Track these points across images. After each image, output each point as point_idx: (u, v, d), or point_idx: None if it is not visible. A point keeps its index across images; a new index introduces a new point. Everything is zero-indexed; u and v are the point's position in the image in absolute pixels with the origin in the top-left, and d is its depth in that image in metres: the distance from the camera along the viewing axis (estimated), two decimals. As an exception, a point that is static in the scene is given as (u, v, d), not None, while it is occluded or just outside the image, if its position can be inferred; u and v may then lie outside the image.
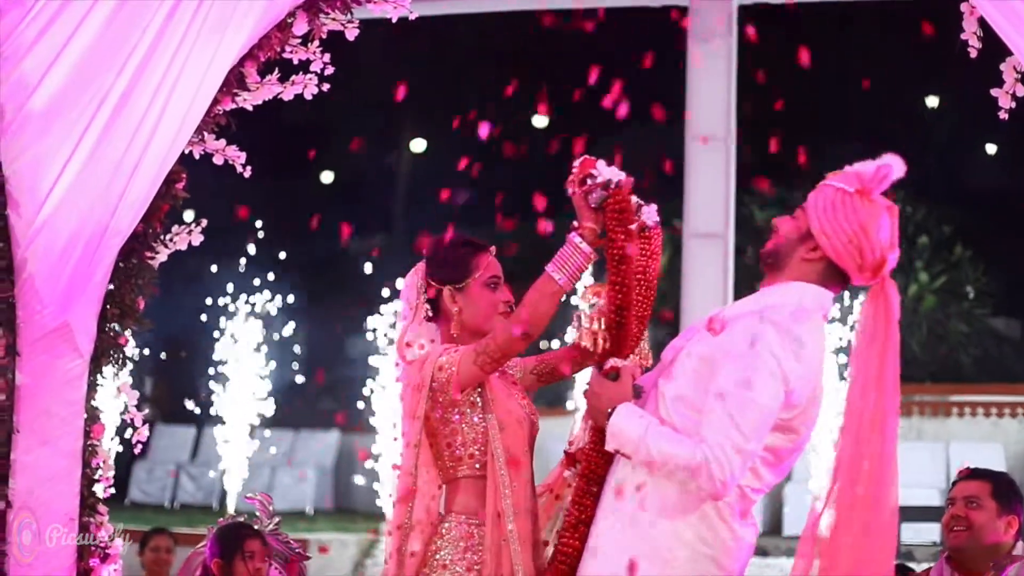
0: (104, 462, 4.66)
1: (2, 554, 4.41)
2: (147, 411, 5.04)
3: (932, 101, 18.46)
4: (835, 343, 12.56)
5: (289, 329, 16.35)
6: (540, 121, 18.35)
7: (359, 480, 14.79)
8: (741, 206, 15.63)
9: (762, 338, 3.31)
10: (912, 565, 5.18)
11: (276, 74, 4.77)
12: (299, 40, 4.74)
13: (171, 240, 4.80)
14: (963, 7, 4.39)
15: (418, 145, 20.33)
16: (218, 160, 4.83)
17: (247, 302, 14.76)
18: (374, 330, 13.89)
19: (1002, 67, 4.41)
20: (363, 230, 20.27)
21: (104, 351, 4.65)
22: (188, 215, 5.02)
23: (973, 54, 4.41)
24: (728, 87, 9.45)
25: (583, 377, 3.88)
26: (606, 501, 3.50)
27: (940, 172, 17.71)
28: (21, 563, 4.41)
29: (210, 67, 4.55)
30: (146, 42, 4.40)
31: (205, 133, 4.76)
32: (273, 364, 14.82)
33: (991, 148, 18.49)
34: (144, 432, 4.85)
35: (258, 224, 17.31)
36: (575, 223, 3.68)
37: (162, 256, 4.78)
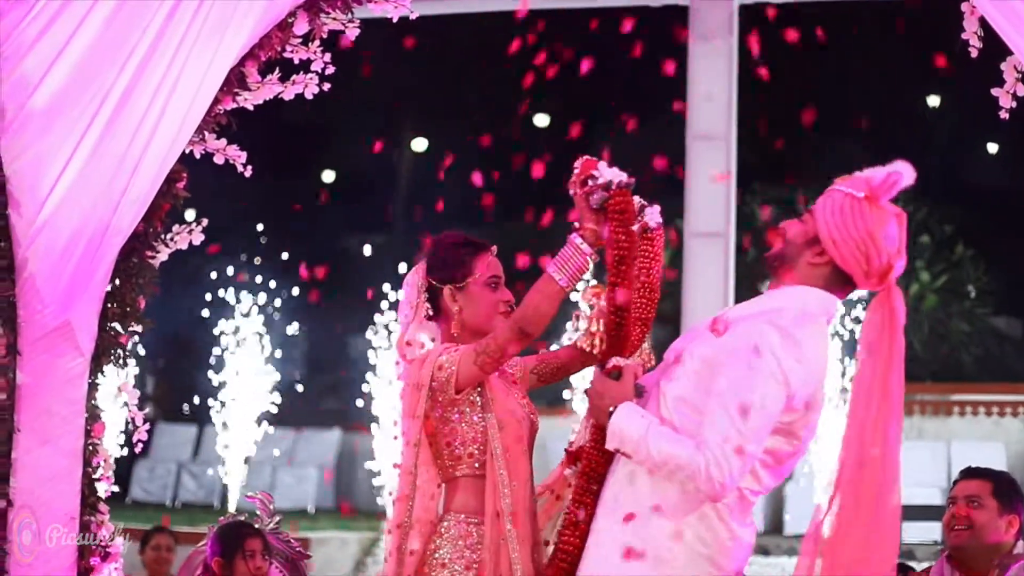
0: (105, 461, 4.67)
1: (3, 552, 4.41)
2: (148, 410, 5.05)
3: (933, 100, 18.46)
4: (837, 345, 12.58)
5: (291, 328, 16.37)
6: (542, 120, 18.36)
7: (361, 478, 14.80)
8: (742, 205, 15.64)
9: (765, 341, 3.31)
10: (913, 564, 5.18)
11: (277, 73, 4.77)
12: (300, 40, 4.74)
13: (172, 239, 4.81)
14: (963, 7, 4.39)
15: (419, 144, 20.34)
16: (219, 159, 4.84)
17: (249, 301, 14.77)
18: (375, 330, 13.90)
19: (1002, 67, 4.41)
20: (364, 229, 20.28)
21: (105, 350, 4.65)
22: (189, 214, 5.02)
23: (974, 54, 4.41)
24: (729, 86, 9.45)
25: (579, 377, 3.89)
26: (606, 500, 3.50)
27: (941, 171, 17.71)
28: (21, 563, 4.42)
29: (211, 66, 4.55)
30: (147, 41, 4.40)
31: (206, 132, 4.77)
32: (274, 363, 14.83)
33: (992, 147, 18.49)
34: (144, 431, 4.86)
35: (259, 223, 17.34)
36: (576, 223, 3.68)
37: (163, 255, 4.79)
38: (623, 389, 3.48)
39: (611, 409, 3.43)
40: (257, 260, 16.90)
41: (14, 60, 4.33)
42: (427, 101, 18.94)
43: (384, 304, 13.66)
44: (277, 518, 5.21)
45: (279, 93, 4.78)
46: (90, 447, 4.61)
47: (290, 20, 4.69)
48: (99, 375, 4.65)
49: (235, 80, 4.70)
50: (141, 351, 10.79)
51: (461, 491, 3.80)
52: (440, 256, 3.92)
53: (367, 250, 19.62)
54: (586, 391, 3.55)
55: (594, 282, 3.82)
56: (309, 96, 4.78)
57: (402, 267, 3.65)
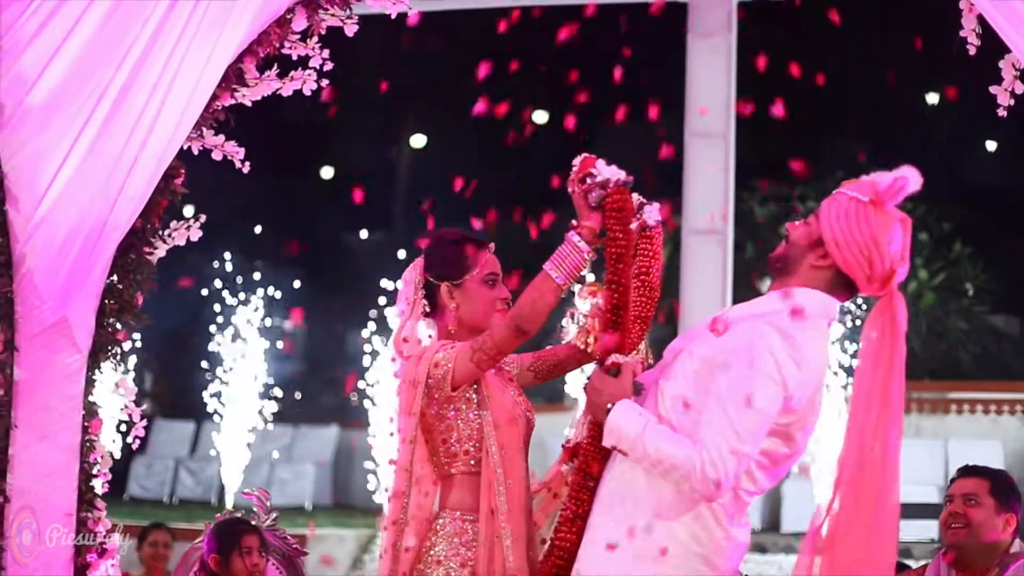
0: (102, 457, 4.67)
1: (0, 549, 4.41)
2: (146, 406, 5.05)
3: (932, 98, 18.46)
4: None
5: (289, 325, 16.36)
6: (540, 117, 18.37)
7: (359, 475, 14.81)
8: (740, 202, 15.64)
9: (764, 342, 3.30)
10: (910, 562, 5.18)
11: (275, 70, 4.77)
12: (298, 36, 4.74)
13: (170, 236, 4.81)
14: (962, 5, 4.39)
15: (418, 141, 20.35)
16: (217, 156, 4.84)
17: (247, 298, 14.76)
18: (374, 327, 13.89)
19: (1001, 64, 4.41)
20: (363, 226, 20.30)
21: (102, 346, 4.65)
22: (188, 211, 5.02)
23: (972, 52, 4.41)
24: (727, 84, 9.45)
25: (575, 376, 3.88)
26: (602, 497, 3.50)
27: (940, 169, 17.71)
28: (20, 562, 4.42)
29: (209, 62, 4.55)
30: (145, 37, 4.40)
31: (204, 129, 4.77)
32: (272, 360, 14.82)
33: (991, 145, 18.50)
34: (142, 428, 4.86)
35: (257, 219, 17.34)
36: (574, 221, 3.68)
37: (160, 252, 4.79)
38: (621, 386, 3.48)
39: (609, 406, 3.43)
40: (255, 256, 16.90)
41: (12, 56, 4.32)
42: (427, 97, 18.93)
43: (383, 301, 13.66)
44: (274, 514, 5.21)
45: (277, 89, 4.78)
46: (87, 443, 4.61)
47: (288, 16, 4.69)
48: (96, 371, 4.65)
49: (233, 76, 4.69)
50: (139, 345, 10.80)
51: (457, 488, 3.80)
52: (438, 253, 3.92)
53: (366, 247, 19.63)
54: (585, 387, 3.55)
55: (591, 279, 3.82)
56: (307, 92, 4.78)
57: (401, 264, 3.67)
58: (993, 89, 4.44)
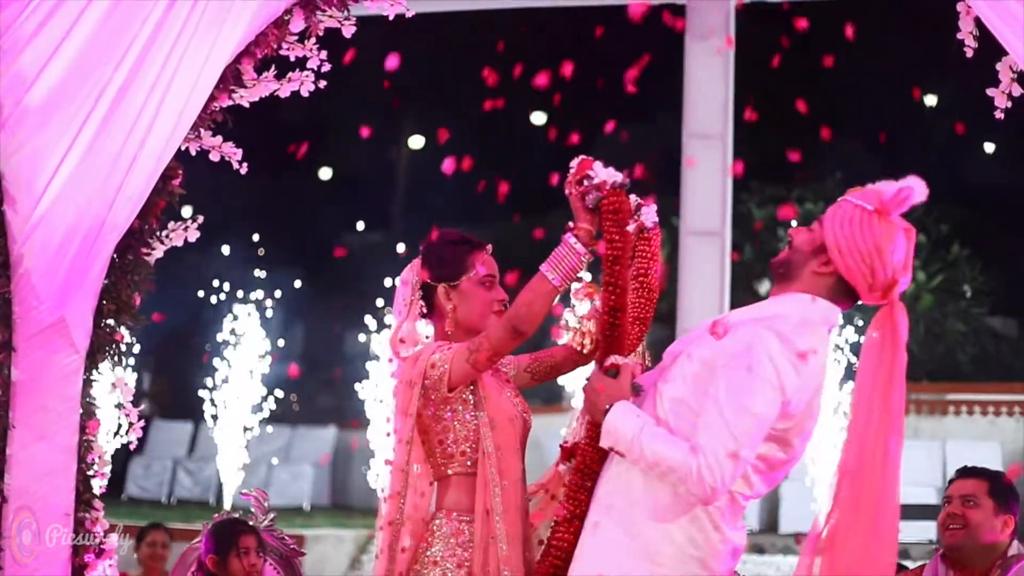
0: (100, 457, 4.67)
1: (-1, 548, 4.42)
2: (143, 407, 5.05)
3: (931, 99, 18.46)
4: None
5: (287, 325, 16.35)
6: (539, 118, 18.37)
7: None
8: (738, 204, 15.65)
9: (763, 346, 3.30)
10: (907, 564, 5.18)
11: (273, 71, 4.77)
12: (296, 37, 4.75)
13: (167, 236, 4.81)
14: (959, 7, 4.40)
15: (416, 142, 20.34)
16: (214, 156, 4.84)
17: (245, 298, 14.76)
18: (373, 328, 13.89)
19: (998, 67, 4.41)
20: (362, 226, 20.28)
21: (100, 347, 4.66)
22: (187, 211, 5.02)
23: (969, 54, 4.41)
24: (726, 85, 9.46)
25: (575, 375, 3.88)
26: (599, 497, 3.50)
27: (938, 170, 17.72)
28: (20, 563, 4.42)
29: (207, 63, 4.55)
30: (143, 38, 4.40)
31: (202, 130, 4.77)
32: (271, 360, 14.82)
33: (989, 147, 18.50)
34: (140, 428, 4.86)
35: (256, 220, 17.32)
36: (570, 223, 3.68)
37: (158, 252, 4.79)
38: (620, 387, 3.48)
39: (607, 407, 3.44)
40: (253, 257, 16.88)
41: (11, 56, 4.32)
42: (426, 98, 18.93)
43: (380, 302, 13.65)
44: (272, 515, 5.22)
45: (275, 90, 4.79)
46: (85, 443, 4.61)
47: (286, 17, 4.69)
48: (94, 371, 4.66)
49: (231, 77, 4.70)
50: (137, 348, 10.79)
51: (453, 489, 3.80)
52: (435, 254, 3.92)
53: (364, 248, 19.62)
54: (583, 388, 3.56)
55: (587, 280, 3.82)
56: (305, 94, 4.79)
57: (399, 265, 3.66)
58: (990, 91, 4.44)
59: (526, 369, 4.05)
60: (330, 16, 4.72)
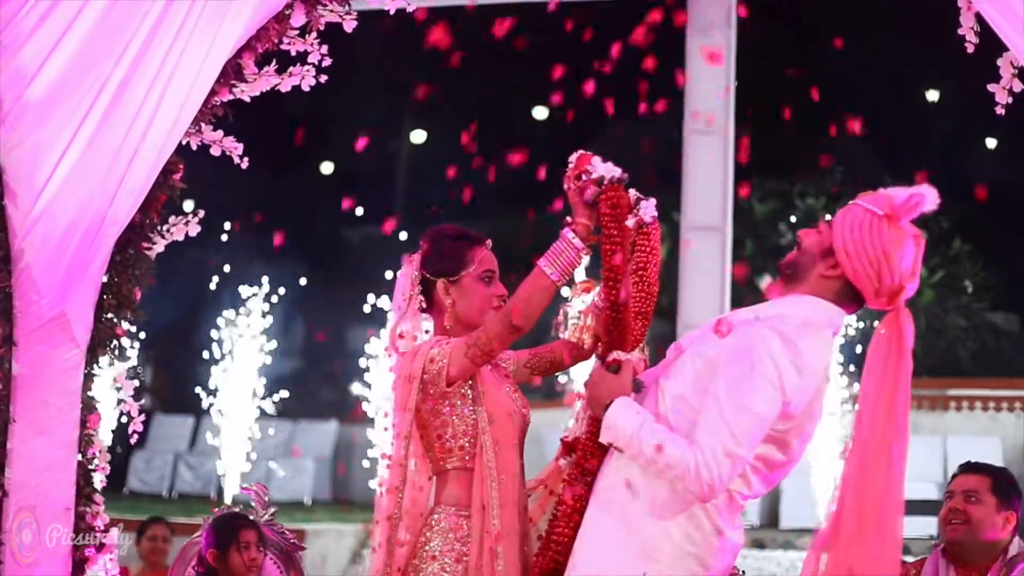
0: (100, 452, 4.67)
1: (-1, 543, 4.43)
2: (144, 401, 5.06)
3: (932, 95, 18.44)
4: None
5: (289, 319, 16.35)
6: (540, 113, 18.36)
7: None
8: (739, 199, 15.62)
9: (766, 346, 3.30)
10: (907, 558, 5.18)
11: (274, 65, 4.77)
12: (297, 32, 4.75)
13: (168, 231, 4.81)
14: (960, 2, 4.40)
15: (418, 136, 20.33)
16: (215, 151, 4.84)
17: (247, 292, 14.76)
18: (374, 322, 13.89)
19: (999, 62, 4.41)
20: (363, 220, 20.27)
21: (101, 341, 4.66)
22: (188, 205, 5.03)
23: (970, 49, 4.41)
24: (727, 79, 9.45)
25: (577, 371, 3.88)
26: (598, 492, 3.51)
27: (940, 166, 17.70)
28: (20, 562, 4.42)
29: (207, 57, 4.55)
30: (143, 32, 4.40)
31: (203, 124, 4.77)
32: (272, 354, 14.82)
33: (991, 143, 18.48)
34: (140, 422, 4.86)
35: (258, 214, 17.31)
36: (569, 218, 3.68)
37: (159, 247, 4.79)
38: (621, 383, 3.48)
39: (608, 403, 3.44)
40: (255, 251, 16.88)
41: (11, 50, 4.33)
42: (427, 94, 18.91)
43: (382, 296, 13.65)
44: (272, 509, 5.22)
45: (276, 85, 4.79)
46: (85, 438, 4.62)
47: (287, 12, 4.70)
48: (95, 366, 4.66)
49: (232, 72, 4.70)
50: (139, 340, 10.79)
51: (452, 484, 3.80)
52: (435, 249, 3.92)
53: (366, 242, 19.62)
54: (585, 383, 3.56)
55: (584, 276, 3.82)
56: (306, 88, 4.79)
57: (400, 259, 3.66)
58: (991, 87, 4.44)
59: (526, 364, 4.05)
60: (331, 11, 4.72)
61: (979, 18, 4.35)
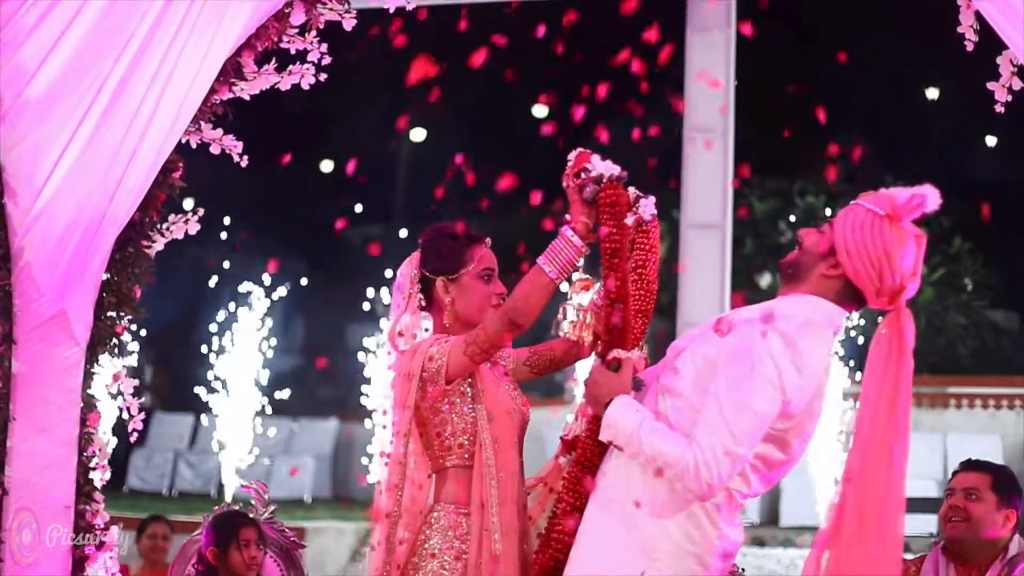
0: (100, 450, 4.67)
1: (-1, 542, 4.43)
2: (144, 399, 5.06)
3: (932, 93, 18.44)
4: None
5: (289, 317, 16.34)
6: (540, 111, 18.35)
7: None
8: (739, 197, 15.63)
9: (766, 345, 3.30)
10: (906, 556, 5.18)
11: (273, 64, 4.77)
12: (296, 30, 4.75)
13: (168, 229, 4.82)
14: (959, 0, 4.39)
15: (418, 134, 20.32)
16: (215, 149, 4.84)
17: (247, 290, 14.77)
18: (373, 320, 13.90)
19: (999, 60, 4.41)
20: (363, 219, 20.26)
21: (101, 339, 4.66)
22: (188, 204, 5.03)
23: (969, 47, 4.41)
24: (727, 78, 9.45)
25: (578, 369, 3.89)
26: (598, 491, 3.51)
27: (940, 164, 17.70)
28: (20, 562, 4.43)
29: (207, 56, 4.55)
30: (143, 30, 4.40)
31: (202, 122, 4.77)
32: (272, 352, 14.82)
33: (991, 141, 18.47)
34: (140, 420, 4.86)
35: (257, 212, 17.31)
36: (568, 216, 3.69)
37: (159, 245, 4.79)
38: (621, 381, 3.48)
39: (608, 401, 3.44)
40: (254, 249, 16.88)
41: (11, 48, 4.33)
42: (426, 92, 18.88)
43: (382, 294, 13.66)
44: (272, 507, 5.22)
45: (275, 83, 4.79)
46: (85, 436, 4.62)
47: (287, 10, 4.70)
48: (95, 364, 4.66)
49: (231, 70, 4.70)
50: (138, 339, 10.80)
51: (451, 482, 3.80)
52: (434, 247, 3.92)
53: (366, 240, 19.61)
54: (585, 381, 3.56)
55: (581, 274, 3.82)
56: (306, 87, 4.79)
57: (400, 257, 3.67)
58: (991, 85, 4.44)
59: (525, 363, 4.06)
60: (330, 9, 4.72)
61: (979, 16, 4.35)
